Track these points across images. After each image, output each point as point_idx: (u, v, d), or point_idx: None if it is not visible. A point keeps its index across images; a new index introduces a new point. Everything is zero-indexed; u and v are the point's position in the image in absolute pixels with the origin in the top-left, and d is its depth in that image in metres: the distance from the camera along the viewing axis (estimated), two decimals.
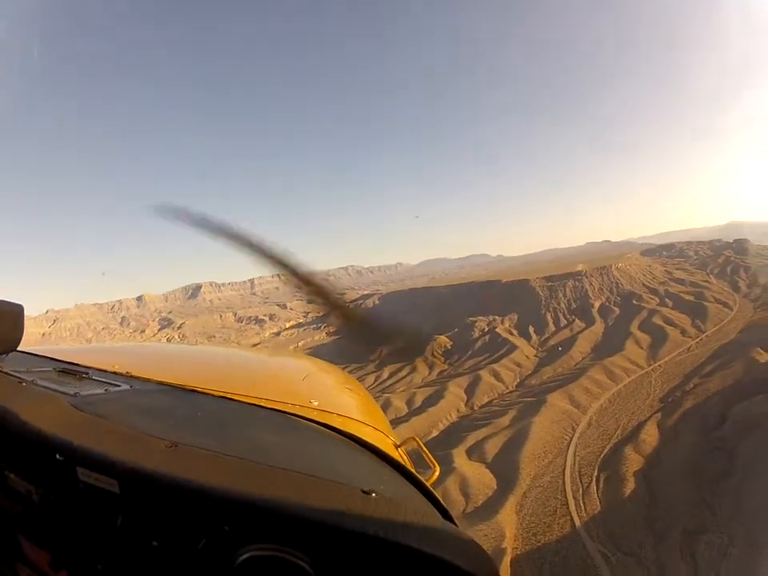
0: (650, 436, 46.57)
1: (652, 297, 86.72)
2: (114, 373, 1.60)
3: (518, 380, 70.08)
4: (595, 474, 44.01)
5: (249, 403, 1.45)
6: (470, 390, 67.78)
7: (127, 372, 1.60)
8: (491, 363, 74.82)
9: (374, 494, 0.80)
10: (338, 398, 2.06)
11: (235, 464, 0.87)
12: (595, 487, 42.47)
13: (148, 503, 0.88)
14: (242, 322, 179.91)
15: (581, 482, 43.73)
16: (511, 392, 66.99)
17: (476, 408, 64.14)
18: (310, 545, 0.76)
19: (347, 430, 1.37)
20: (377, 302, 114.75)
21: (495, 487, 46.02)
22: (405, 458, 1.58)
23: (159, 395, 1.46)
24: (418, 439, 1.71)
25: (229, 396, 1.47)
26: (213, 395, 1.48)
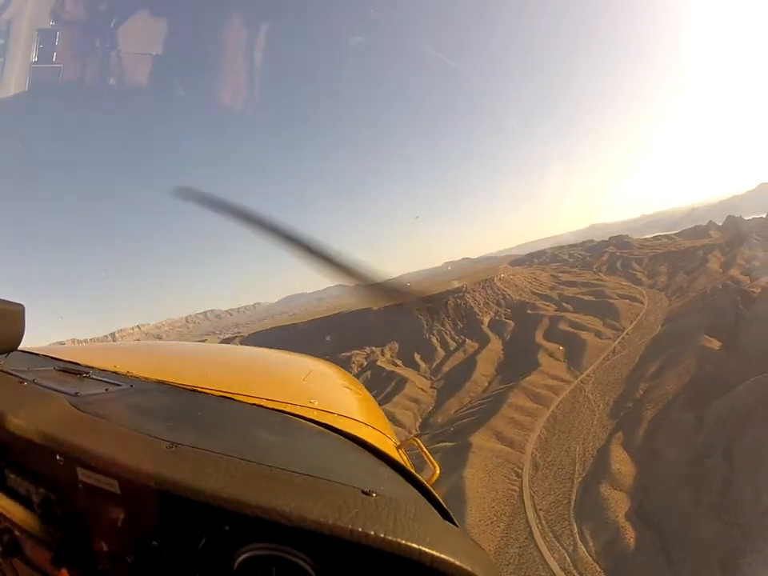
0: (622, 463, 38.91)
1: (547, 303, 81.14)
2: (115, 372, 1.59)
3: (420, 420, 58.38)
4: (575, 529, 33.71)
5: (249, 403, 1.45)
6: None
7: (128, 371, 1.59)
8: (381, 404, 60.45)
9: (374, 495, 0.81)
10: (339, 398, 2.04)
11: (235, 464, 0.87)
12: (584, 548, 31.83)
13: (148, 503, 0.87)
14: None
15: (561, 545, 32.82)
16: (417, 436, 53.45)
17: None
18: (311, 545, 0.76)
19: (347, 431, 1.36)
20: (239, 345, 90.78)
21: None
22: (405, 458, 1.59)
23: (160, 395, 1.46)
24: (418, 440, 1.72)
25: (229, 396, 1.46)
26: (213, 395, 1.48)
